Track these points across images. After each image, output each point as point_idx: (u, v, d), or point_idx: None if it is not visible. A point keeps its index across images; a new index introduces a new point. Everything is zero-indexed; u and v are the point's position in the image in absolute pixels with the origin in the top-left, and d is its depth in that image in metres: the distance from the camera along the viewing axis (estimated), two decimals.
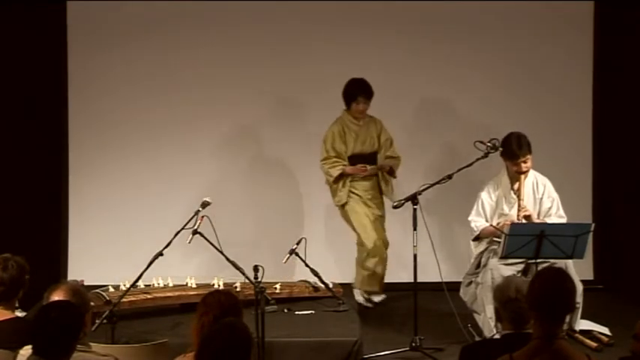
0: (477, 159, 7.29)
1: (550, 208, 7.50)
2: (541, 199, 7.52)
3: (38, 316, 4.29)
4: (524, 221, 7.31)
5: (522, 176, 7.42)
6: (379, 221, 8.37)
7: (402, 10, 9.15)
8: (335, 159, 8.31)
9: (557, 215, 7.49)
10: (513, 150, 7.35)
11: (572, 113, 9.27)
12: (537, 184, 7.54)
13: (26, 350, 4.38)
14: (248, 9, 9.13)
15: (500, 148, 7.32)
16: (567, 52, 9.23)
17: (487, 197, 7.53)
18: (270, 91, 9.19)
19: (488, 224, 7.46)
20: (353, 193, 8.33)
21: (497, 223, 7.39)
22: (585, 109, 9.25)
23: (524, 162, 7.38)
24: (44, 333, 4.21)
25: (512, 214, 7.41)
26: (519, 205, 7.39)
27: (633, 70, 9.06)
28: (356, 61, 9.02)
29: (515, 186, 7.47)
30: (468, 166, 7.30)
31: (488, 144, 7.29)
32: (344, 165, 8.30)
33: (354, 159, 8.33)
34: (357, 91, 8.26)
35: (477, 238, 7.54)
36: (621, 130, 9.15)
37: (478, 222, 7.50)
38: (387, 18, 9.16)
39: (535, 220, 7.41)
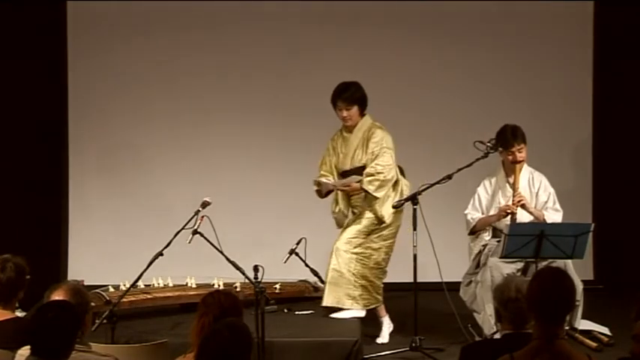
0: (477, 159, 7.29)
1: (546, 202, 7.52)
2: (537, 193, 7.55)
3: (35, 317, 4.28)
4: (518, 209, 7.34)
5: (518, 167, 7.45)
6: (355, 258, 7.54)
7: (400, 12, 9.15)
8: (323, 173, 7.59)
9: (553, 209, 7.51)
10: (508, 138, 7.39)
11: (572, 113, 9.27)
12: (533, 179, 7.58)
13: (25, 350, 4.37)
14: (250, 9, 9.13)
15: (495, 144, 7.34)
16: (567, 52, 9.23)
17: (483, 191, 7.58)
18: (271, 92, 9.20)
19: (484, 216, 7.50)
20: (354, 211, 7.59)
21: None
22: (585, 109, 9.26)
23: (519, 151, 7.42)
24: (41, 333, 4.20)
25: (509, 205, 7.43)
26: (515, 192, 7.41)
27: (633, 71, 9.07)
28: (352, 63, 9.01)
29: (511, 179, 7.49)
30: (467, 166, 7.29)
31: (488, 144, 7.31)
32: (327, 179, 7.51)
33: (344, 174, 7.53)
34: (334, 97, 7.42)
35: (473, 233, 7.56)
36: (621, 130, 9.15)
37: (474, 215, 7.52)
38: (384, 19, 9.16)
39: (530, 208, 7.43)
